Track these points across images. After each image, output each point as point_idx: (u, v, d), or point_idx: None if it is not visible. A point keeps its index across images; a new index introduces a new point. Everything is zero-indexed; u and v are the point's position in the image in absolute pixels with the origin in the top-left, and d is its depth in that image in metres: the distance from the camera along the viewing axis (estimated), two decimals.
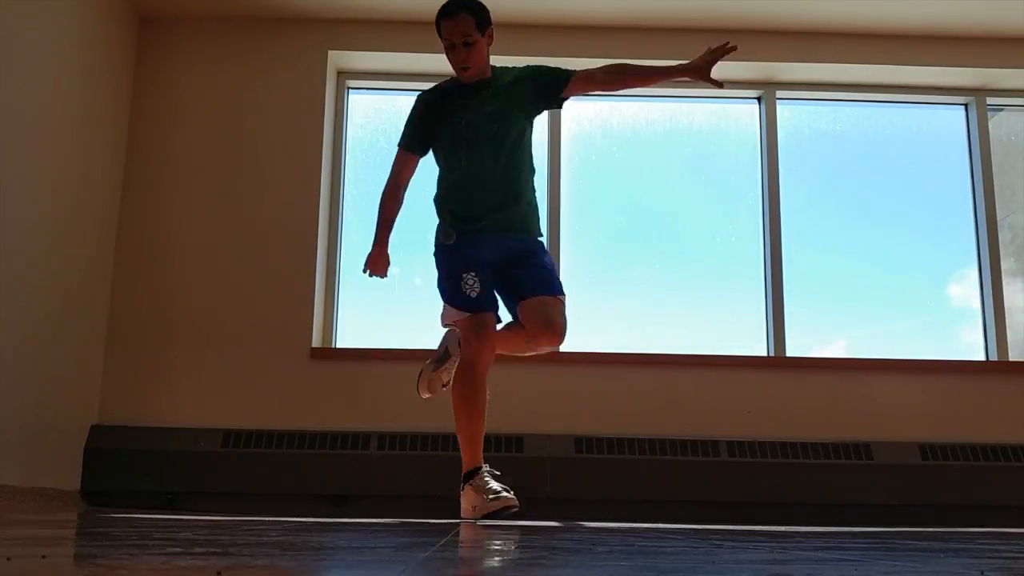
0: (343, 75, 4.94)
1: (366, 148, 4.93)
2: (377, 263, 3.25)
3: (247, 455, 4.27)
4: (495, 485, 3.00)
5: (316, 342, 4.55)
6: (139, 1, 4.69)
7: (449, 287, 3.10)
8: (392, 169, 3.23)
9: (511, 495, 2.96)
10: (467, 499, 3.05)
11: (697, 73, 3.05)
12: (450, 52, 3.05)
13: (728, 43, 3.04)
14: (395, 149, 3.25)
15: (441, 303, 3.17)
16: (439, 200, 3.19)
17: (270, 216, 4.63)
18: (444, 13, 3.03)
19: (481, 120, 3.07)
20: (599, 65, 3.19)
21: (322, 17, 4.78)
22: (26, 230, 3.81)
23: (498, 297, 3.14)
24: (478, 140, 3.07)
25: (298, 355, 4.49)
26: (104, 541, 1.68)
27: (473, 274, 3.04)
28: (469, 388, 3.03)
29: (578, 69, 3.16)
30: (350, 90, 4.98)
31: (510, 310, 3.18)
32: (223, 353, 4.49)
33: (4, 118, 3.64)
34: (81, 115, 4.26)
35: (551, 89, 3.14)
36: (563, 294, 3.14)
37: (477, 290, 3.03)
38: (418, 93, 3.26)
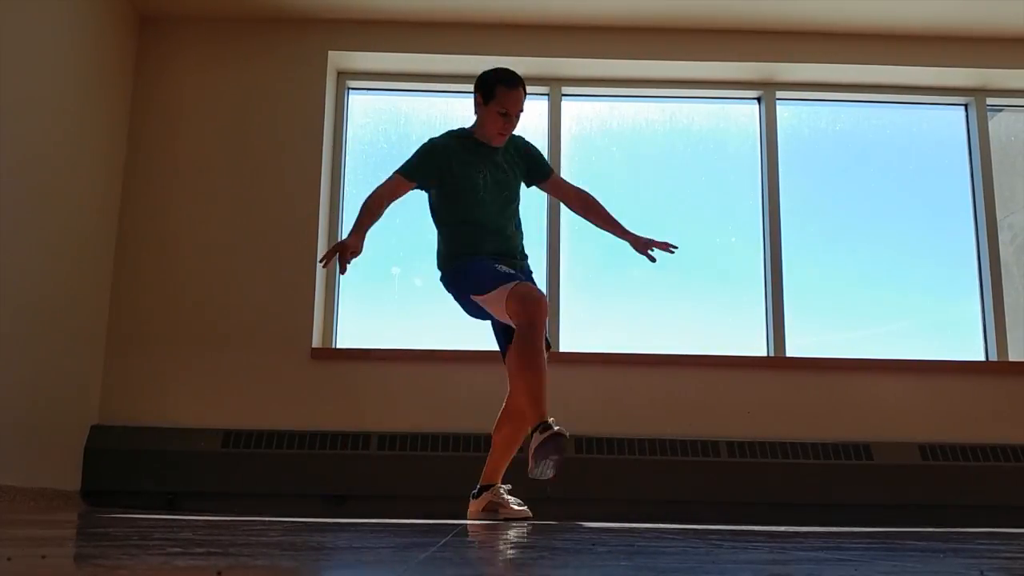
0: (343, 75, 4.94)
1: (366, 148, 4.93)
2: (349, 251, 3.08)
3: (247, 455, 4.27)
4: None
5: (316, 342, 4.55)
6: (139, 1, 4.69)
7: (486, 272, 3.14)
8: (384, 186, 3.26)
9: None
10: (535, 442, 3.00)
11: (635, 244, 3.40)
12: (501, 118, 3.23)
13: (671, 247, 3.36)
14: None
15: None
16: (448, 240, 3.30)
17: (270, 216, 4.63)
18: (509, 83, 3.23)
19: (493, 183, 3.28)
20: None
21: (322, 17, 4.78)
22: (26, 230, 3.81)
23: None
24: (487, 199, 3.27)
25: (298, 355, 4.49)
26: (104, 541, 1.68)
27: (501, 262, 3.21)
28: (534, 348, 3.03)
29: (554, 174, 3.49)
30: (350, 90, 4.98)
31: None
32: (223, 353, 4.49)
33: (4, 118, 3.64)
34: (81, 115, 4.26)
35: (536, 178, 3.47)
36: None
37: (510, 270, 3.16)
38: (430, 137, 3.34)
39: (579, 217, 3.53)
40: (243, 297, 4.56)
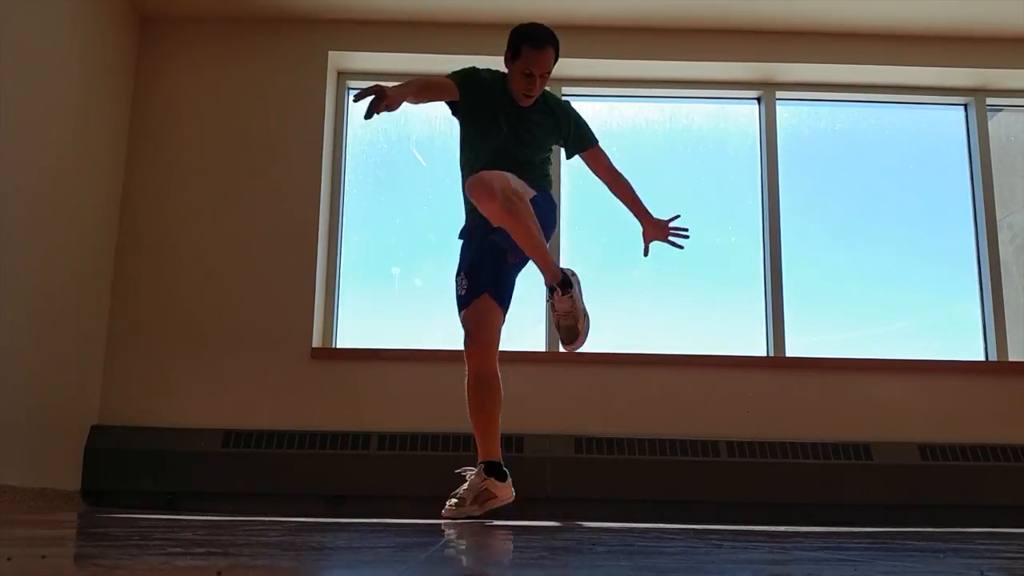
0: (343, 75, 4.94)
1: (366, 148, 4.93)
2: (384, 102, 2.86)
3: (247, 455, 4.27)
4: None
5: (316, 342, 4.55)
6: (139, 1, 4.69)
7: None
8: (432, 78, 3.19)
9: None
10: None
11: (649, 227, 3.51)
12: (524, 78, 3.14)
13: (686, 233, 3.52)
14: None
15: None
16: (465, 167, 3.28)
17: (270, 216, 4.63)
18: (535, 42, 3.11)
19: (517, 137, 3.21)
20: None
21: (322, 17, 4.78)
22: (26, 230, 3.81)
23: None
24: (506, 147, 3.20)
25: (298, 355, 4.49)
26: (104, 541, 1.68)
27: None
28: (517, 218, 3.02)
29: (598, 144, 3.44)
30: (350, 90, 4.97)
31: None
32: (223, 353, 4.49)
33: (4, 118, 3.64)
34: (81, 115, 4.26)
35: (577, 148, 3.39)
36: None
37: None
38: (484, 67, 3.26)
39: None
40: (243, 297, 4.56)
